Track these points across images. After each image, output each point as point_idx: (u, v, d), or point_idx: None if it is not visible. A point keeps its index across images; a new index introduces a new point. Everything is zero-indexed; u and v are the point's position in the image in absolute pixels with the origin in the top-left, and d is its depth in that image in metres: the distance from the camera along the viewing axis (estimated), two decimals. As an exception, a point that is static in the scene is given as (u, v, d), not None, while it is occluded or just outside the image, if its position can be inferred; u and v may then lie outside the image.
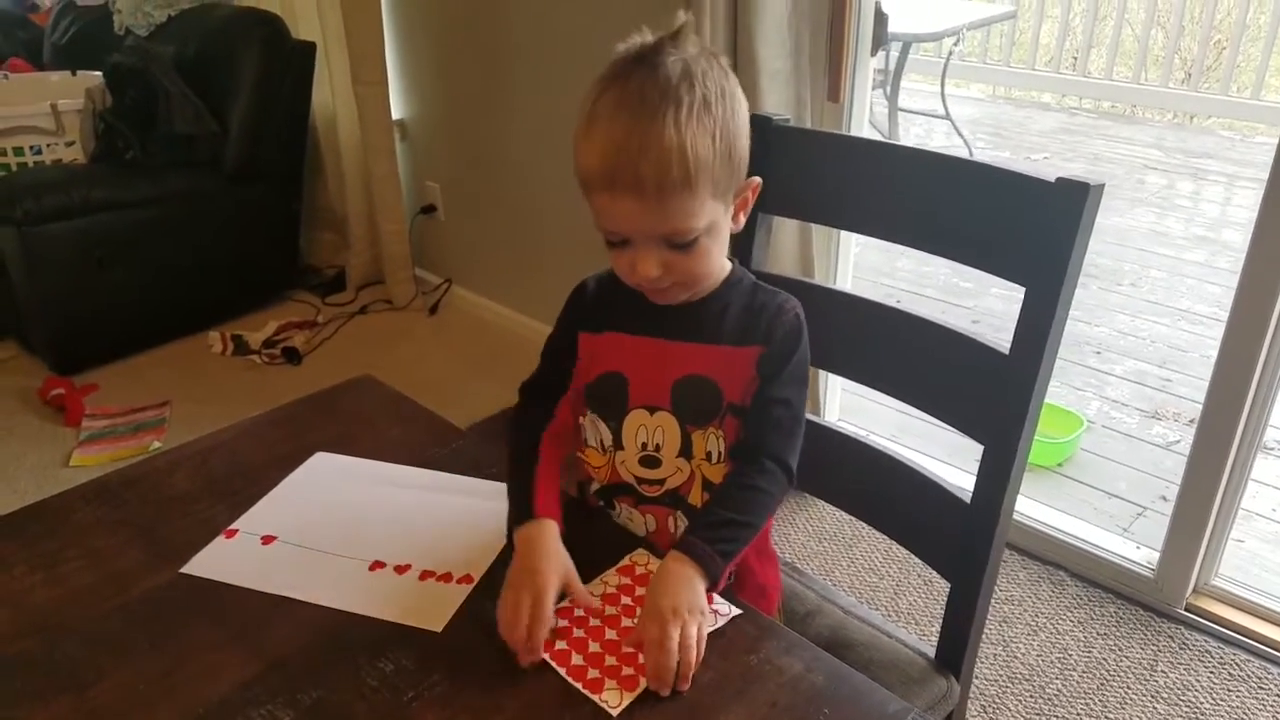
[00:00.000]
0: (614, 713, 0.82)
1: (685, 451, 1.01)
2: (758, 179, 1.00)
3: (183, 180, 3.08)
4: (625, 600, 0.94)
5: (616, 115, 0.89)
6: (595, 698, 0.83)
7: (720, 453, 1.01)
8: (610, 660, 0.87)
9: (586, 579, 0.95)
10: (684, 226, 0.91)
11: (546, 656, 0.87)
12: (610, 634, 0.90)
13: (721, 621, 0.92)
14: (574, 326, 1.06)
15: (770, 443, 0.99)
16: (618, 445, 1.04)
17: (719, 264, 1.01)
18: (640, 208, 0.89)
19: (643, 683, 0.84)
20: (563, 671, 0.86)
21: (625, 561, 0.99)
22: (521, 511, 0.97)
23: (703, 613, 0.88)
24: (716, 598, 0.93)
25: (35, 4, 4.03)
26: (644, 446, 1.02)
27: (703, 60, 0.92)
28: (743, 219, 1.01)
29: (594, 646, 0.88)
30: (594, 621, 0.91)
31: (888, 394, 1.24)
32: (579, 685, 0.85)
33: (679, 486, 1.03)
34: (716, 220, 0.95)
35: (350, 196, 3.40)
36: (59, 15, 3.88)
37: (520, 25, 2.72)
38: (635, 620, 0.90)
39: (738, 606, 0.94)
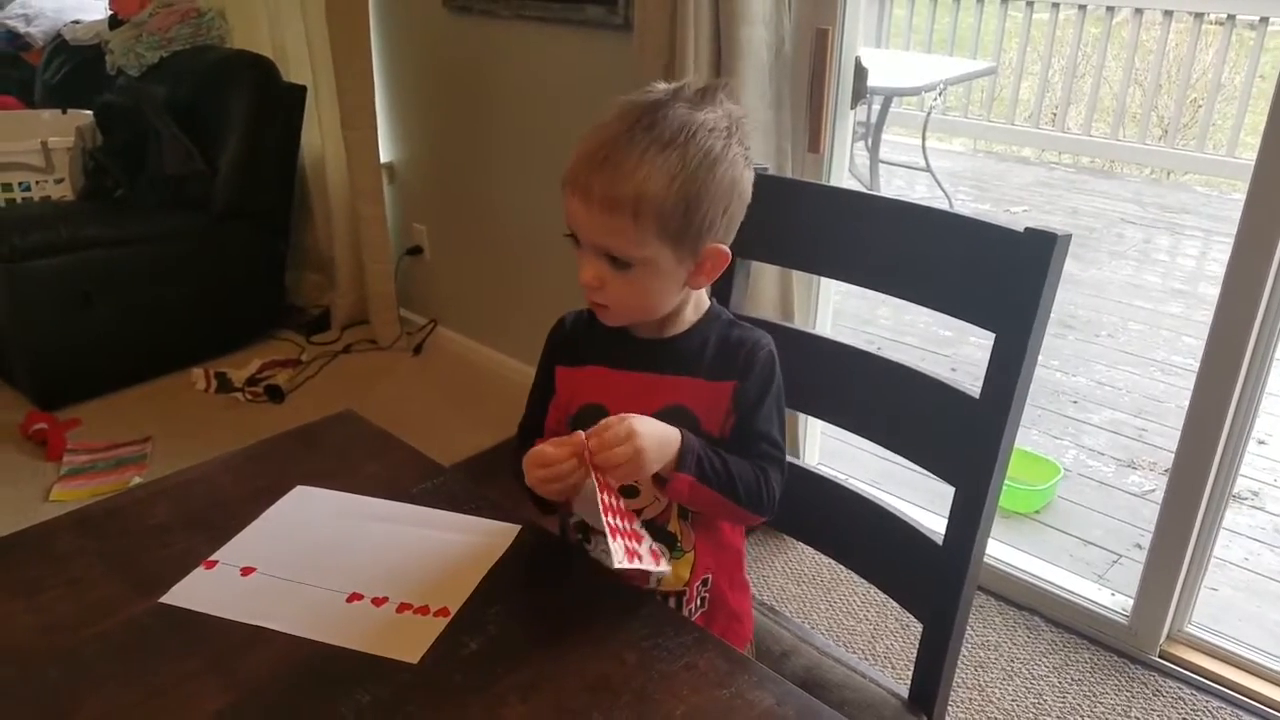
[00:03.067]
0: (613, 564, 0.90)
1: (663, 482, 1.03)
2: (725, 251, 1.01)
3: (171, 219, 3.10)
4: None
5: (604, 127, 0.95)
6: (608, 542, 0.91)
7: None
8: (624, 525, 0.95)
9: (558, 614, 0.97)
10: (617, 245, 0.96)
11: (637, 563, 0.93)
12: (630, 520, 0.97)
13: (649, 565, 0.96)
14: (551, 360, 1.10)
15: (763, 468, 1.04)
16: None
17: (661, 302, 1.03)
18: (585, 211, 0.95)
19: (638, 562, 0.93)
20: (601, 504, 0.91)
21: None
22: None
23: (644, 467, 0.94)
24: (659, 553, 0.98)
25: (28, 43, 4.06)
26: None
27: (716, 126, 0.96)
28: (704, 282, 1.03)
29: (621, 522, 0.94)
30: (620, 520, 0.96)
31: (863, 436, 1.26)
32: (603, 519, 0.91)
33: (656, 516, 1.06)
34: (659, 260, 0.97)
35: (337, 237, 3.43)
36: (51, 55, 3.92)
37: (507, 73, 2.77)
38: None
39: (710, 638, 0.96)
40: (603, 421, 0.94)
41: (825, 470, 1.34)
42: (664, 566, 0.98)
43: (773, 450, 1.05)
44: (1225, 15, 5.14)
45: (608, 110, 0.97)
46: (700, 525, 1.09)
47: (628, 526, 0.96)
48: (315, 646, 0.94)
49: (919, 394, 1.17)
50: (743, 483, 1.01)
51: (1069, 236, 1.03)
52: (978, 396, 1.10)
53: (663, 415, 1.01)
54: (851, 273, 1.29)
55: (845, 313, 3.76)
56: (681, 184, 0.94)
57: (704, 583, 1.11)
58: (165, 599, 1.00)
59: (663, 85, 0.99)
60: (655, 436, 0.95)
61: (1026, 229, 1.03)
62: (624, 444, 0.92)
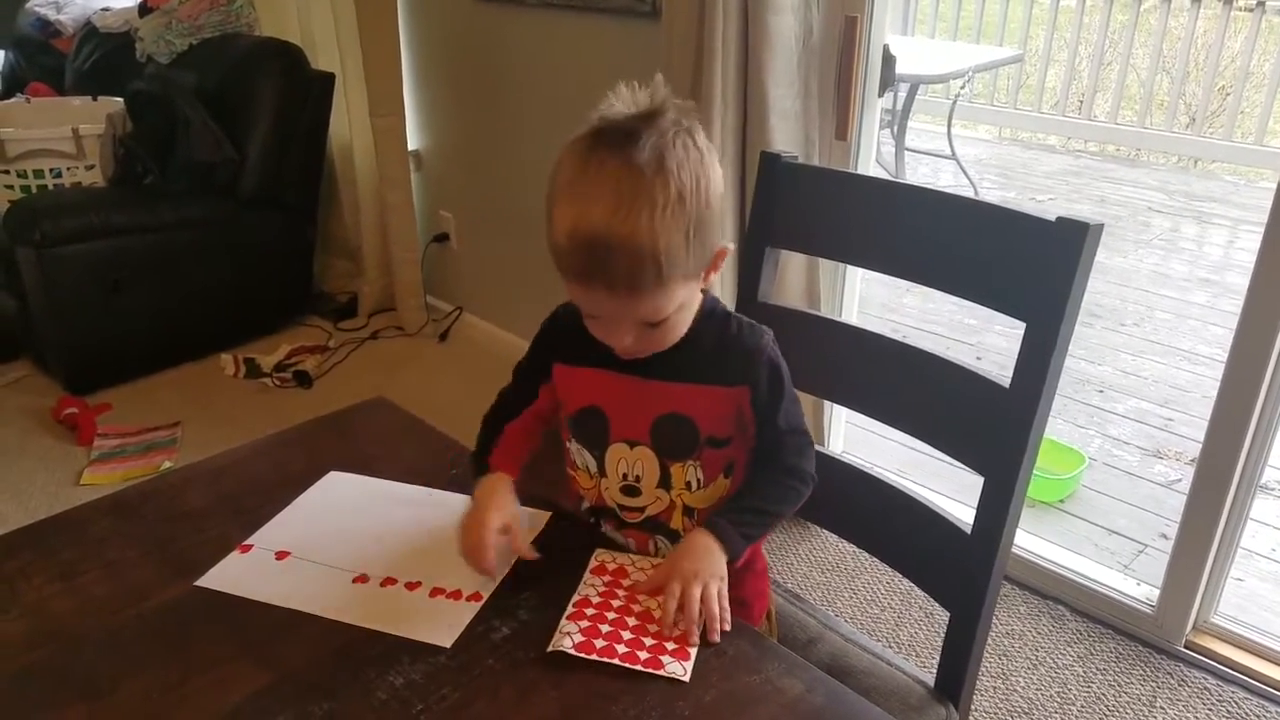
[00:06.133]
0: (686, 679, 0.88)
1: (664, 483, 1.05)
2: (727, 247, 0.99)
3: (200, 206, 3.12)
4: (620, 593, 0.98)
5: (592, 204, 0.88)
6: (661, 673, 0.89)
7: (699, 480, 1.05)
8: (649, 640, 0.92)
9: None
10: (656, 315, 0.95)
11: (595, 656, 0.90)
12: (632, 620, 0.95)
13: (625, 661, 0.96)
14: (548, 354, 1.11)
15: (794, 464, 1.06)
16: (601, 473, 1.08)
17: (688, 326, 1.01)
18: (613, 300, 0.92)
19: (693, 652, 0.91)
20: (616, 661, 0.90)
21: (594, 564, 1.03)
22: (480, 469, 1.08)
23: (722, 579, 0.96)
24: None
25: (58, 30, 4.10)
26: (624, 477, 1.07)
27: (678, 141, 0.90)
28: (713, 278, 1.01)
29: (628, 635, 0.93)
30: (611, 615, 0.95)
31: (890, 425, 1.26)
32: (639, 667, 0.89)
33: (659, 514, 1.08)
34: (688, 299, 0.97)
35: (365, 225, 3.45)
36: (82, 42, 3.95)
37: (535, 61, 2.77)
38: (643, 602, 0.96)
39: (741, 624, 0.97)
40: (668, 594, 0.94)
41: (850, 458, 1.34)
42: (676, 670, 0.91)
43: (798, 441, 1.06)
44: (1254, 1, 5.07)
45: (567, 167, 0.91)
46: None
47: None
48: (350, 630, 0.95)
49: (948, 383, 1.17)
50: (781, 504, 1.06)
51: (1101, 226, 1.02)
52: (1008, 386, 1.10)
53: (661, 422, 1.03)
54: (880, 262, 1.29)
55: (870, 300, 3.75)
56: (694, 228, 0.90)
57: None
58: (201, 582, 1.02)
59: (612, 112, 0.91)
60: (705, 562, 0.96)
61: (1058, 218, 1.03)
62: (692, 599, 0.93)
